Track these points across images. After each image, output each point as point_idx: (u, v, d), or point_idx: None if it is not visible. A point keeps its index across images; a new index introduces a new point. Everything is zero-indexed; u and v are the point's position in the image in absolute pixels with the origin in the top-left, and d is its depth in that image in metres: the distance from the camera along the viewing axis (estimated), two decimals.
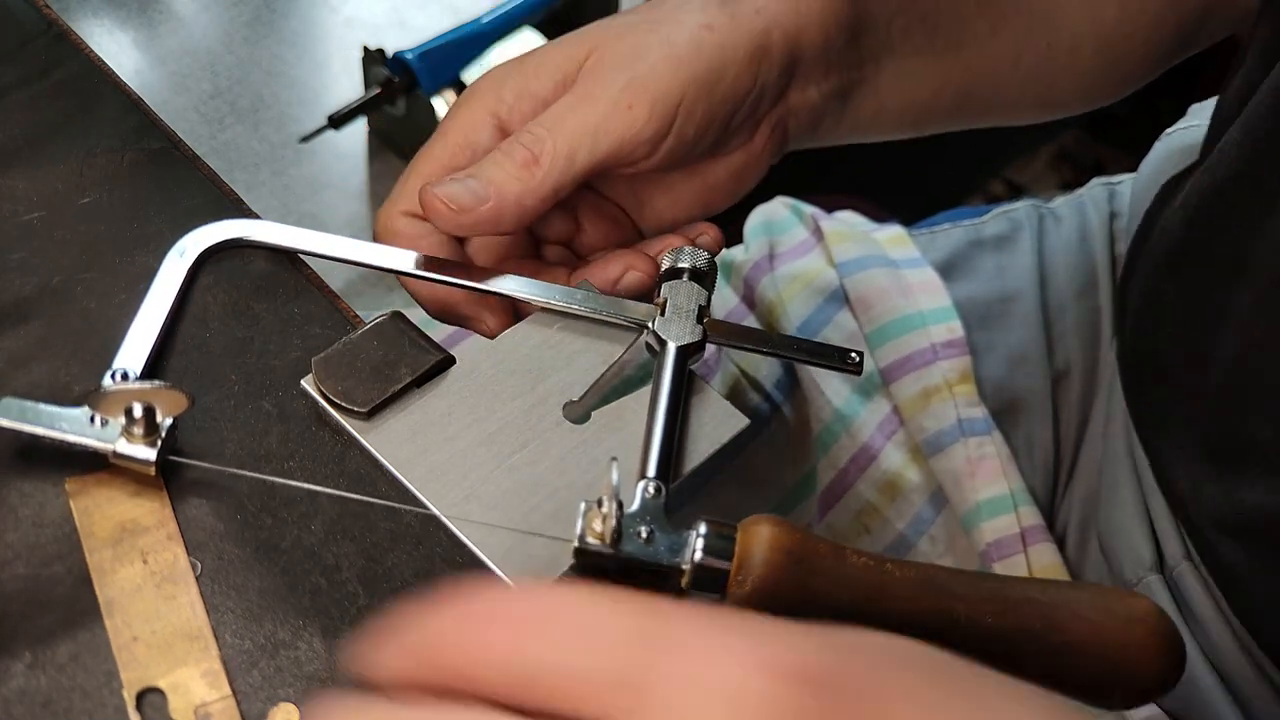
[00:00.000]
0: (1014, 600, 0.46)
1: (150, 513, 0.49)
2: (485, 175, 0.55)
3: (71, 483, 0.49)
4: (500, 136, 0.58)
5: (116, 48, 1.22)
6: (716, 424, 0.55)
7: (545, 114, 0.56)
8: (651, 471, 0.51)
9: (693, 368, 0.56)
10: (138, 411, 0.48)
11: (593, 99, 0.55)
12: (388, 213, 0.59)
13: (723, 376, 0.76)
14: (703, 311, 0.56)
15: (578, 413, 0.55)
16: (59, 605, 0.47)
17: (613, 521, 0.47)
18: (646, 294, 0.59)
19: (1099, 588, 0.48)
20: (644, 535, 0.48)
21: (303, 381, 0.53)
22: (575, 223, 0.61)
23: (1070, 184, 1.70)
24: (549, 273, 0.60)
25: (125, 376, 0.51)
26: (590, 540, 0.48)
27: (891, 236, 0.80)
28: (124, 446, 0.49)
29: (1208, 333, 0.61)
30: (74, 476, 0.49)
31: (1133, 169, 0.81)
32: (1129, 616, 0.47)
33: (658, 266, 0.59)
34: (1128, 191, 0.81)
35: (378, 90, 1.10)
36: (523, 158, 0.55)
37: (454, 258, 0.59)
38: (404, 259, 0.57)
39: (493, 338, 0.57)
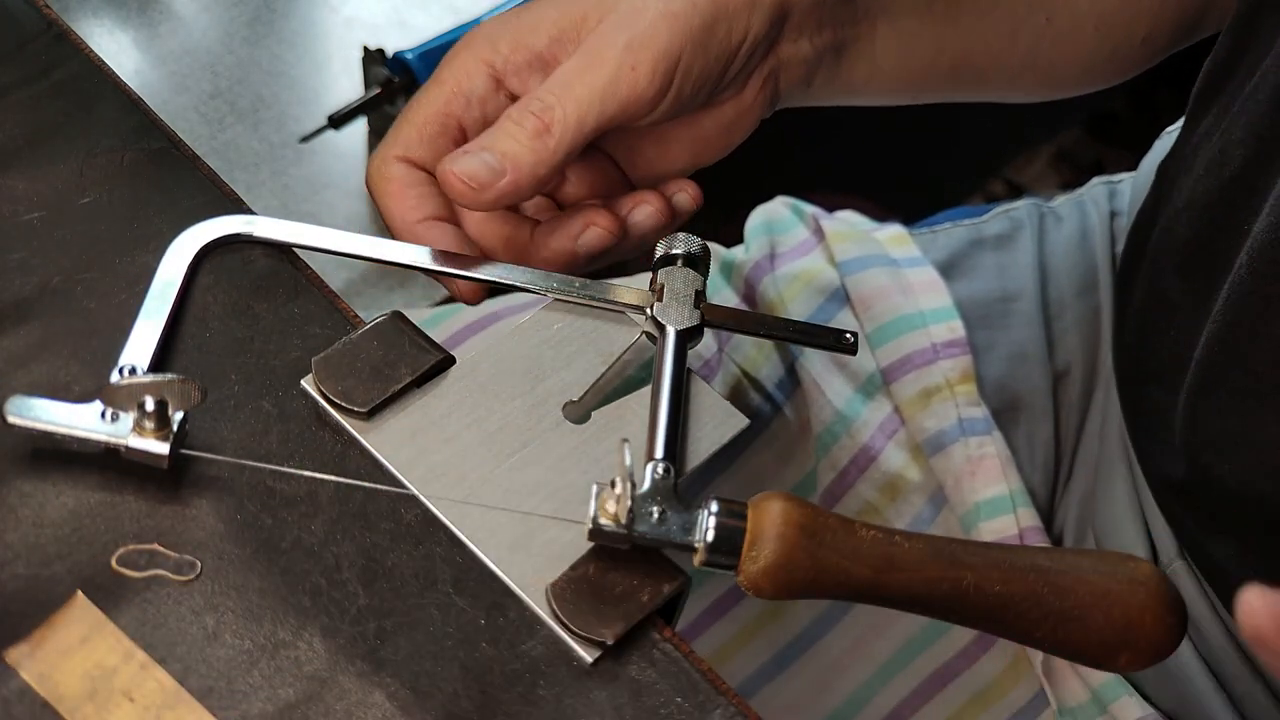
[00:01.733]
0: (1020, 568, 0.47)
1: (111, 649, 0.46)
2: (499, 147, 0.55)
3: (11, 654, 0.46)
4: (494, 86, 0.58)
5: (116, 48, 1.22)
6: (717, 424, 0.55)
7: (551, 79, 0.56)
8: (659, 453, 0.51)
9: (693, 368, 0.56)
10: (150, 405, 0.48)
11: (598, 62, 0.55)
12: (381, 157, 0.58)
13: (723, 377, 0.76)
14: (699, 296, 0.56)
15: (578, 413, 0.55)
16: (59, 605, 0.47)
17: (627, 502, 0.48)
18: (614, 260, 0.59)
19: (1101, 553, 0.49)
20: (656, 515, 0.49)
21: (303, 381, 0.53)
22: (561, 174, 0.60)
23: (1070, 184, 1.70)
24: (521, 227, 0.59)
25: (134, 371, 0.52)
26: (604, 521, 0.48)
27: (892, 236, 0.80)
28: (136, 441, 0.49)
29: (1200, 333, 0.61)
30: (11, 646, 0.46)
31: (1133, 168, 0.81)
32: (1131, 579, 0.48)
33: (621, 223, 0.58)
34: (1129, 190, 0.80)
35: (378, 90, 1.10)
36: (534, 127, 0.55)
37: (442, 212, 0.58)
38: (402, 252, 0.57)
39: (465, 300, 0.58)
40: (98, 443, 0.49)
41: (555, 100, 0.55)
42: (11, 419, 0.49)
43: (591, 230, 0.58)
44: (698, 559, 0.48)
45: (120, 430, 0.49)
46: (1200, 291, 0.62)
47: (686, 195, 0.61)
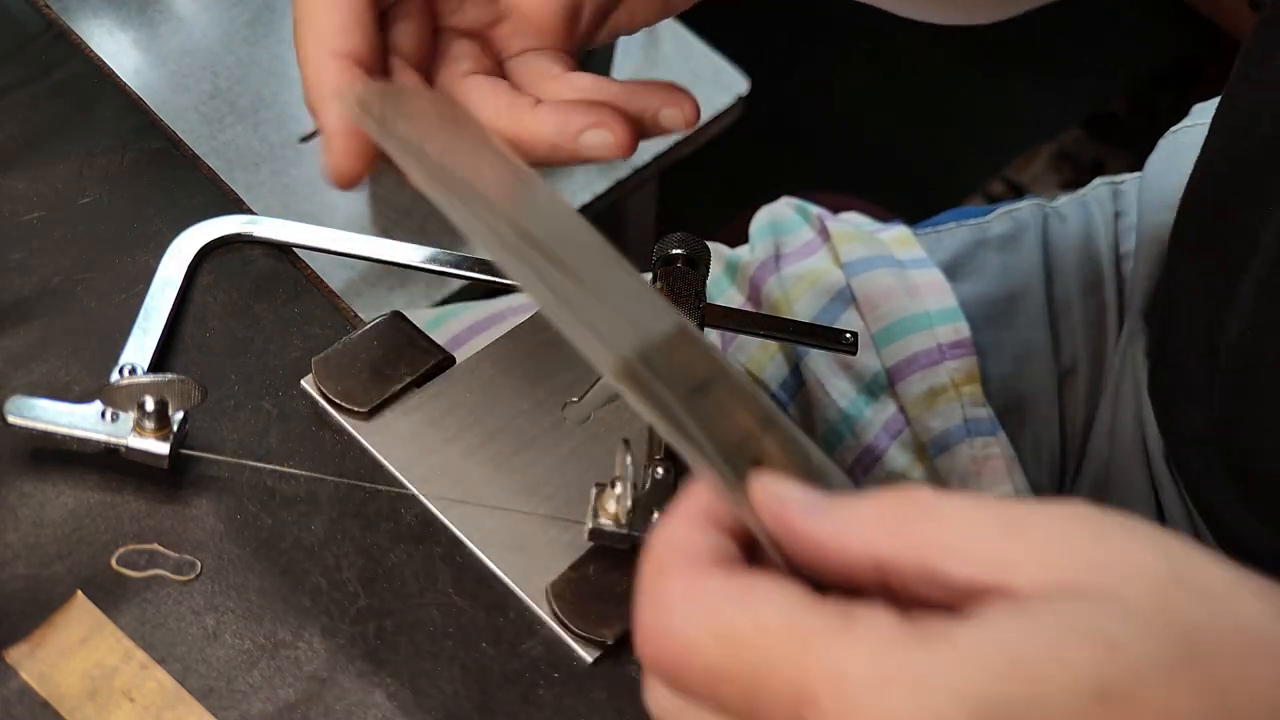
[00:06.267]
0: None
1: (111, 649, 0.46)
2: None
3: (11, 654, 0.46)
4: None
5: (116, 48, 1.22)
6: None
7: None
8: (659, 454, 0.51)
9: None
10: (150, 405, 0.48)
11: None
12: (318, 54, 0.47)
13: None
14: (699, 296, 0.56)
15: (578, 413, 0.55)
16: (59, 605, 0.47)
17: (627, 502, 0.48)
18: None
19: None
20: (656, 517, 0.49)
21: (303, 381, 0.53)
22: (494, 6, 0.51)
23: (1070, 183, 1.70)
24: (458, 80, 0.49)
25: (134, 371, 0.51)
26: (604, 521, 0.48)
27: (897, 237, 0.80)
28: (136, 441, 0.49)
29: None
30: (11, 646, 0.46)
31: (1132, 168, 0.81)
32: None
33: (634, 126, 0.48)
34: (1131, 191, 0.80)
35: None
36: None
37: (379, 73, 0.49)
38: (402, 252, 0.57)
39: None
40: (98, 443, 0.49)
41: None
42: (11, 419, 0.49)
43: (598, 134, 0.47)
44: None
45: (120, 430, 0.49)
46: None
47: (680, 113, 0.50)
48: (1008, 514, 0.33)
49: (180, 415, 0.50)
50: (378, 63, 0.48)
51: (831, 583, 0.34)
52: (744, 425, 0.43)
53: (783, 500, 0.35)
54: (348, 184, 0.47)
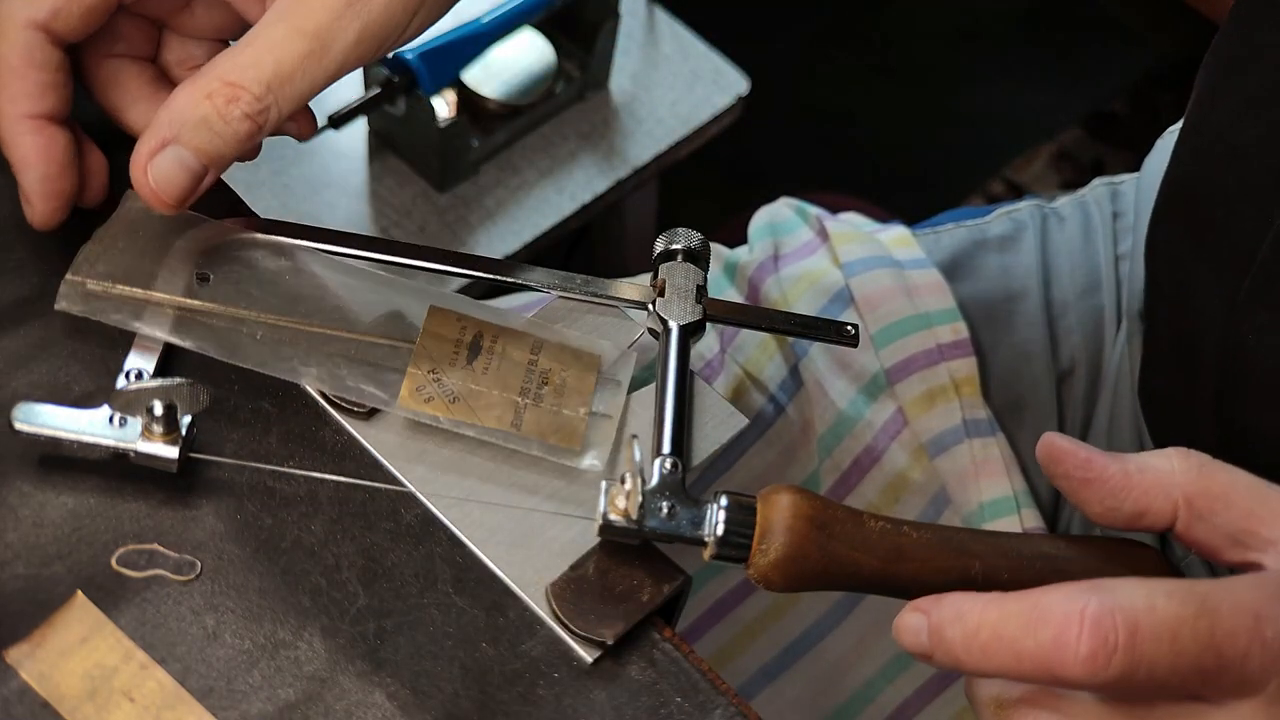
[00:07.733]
0: (1028, 556, 0.48)
1: (111, 649, 0.46)
2: (196, 144, 0.49)
3: (11, 654, 0.46)
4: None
5: None
6: (717, 424, 0.55)
7: (258, 44, 0.49)
8: (667, 448, 0.51)
9: (696, 368, 0.56)
10: (158, 409, 0.48)
11: (310, 29, 0.49)
12: (6, 16, 0.49)
13: (726, 378, 0.76)
14: (700, 291, 0.56)
15: None
16: (59, 605, 0.47)
17: (638, 497, 0.48)
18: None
19: (1105, 541, 0.49)
20: (665, 510, 0.49)
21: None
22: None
23: (1071, 183, 1.70)
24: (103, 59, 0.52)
25: (140, 376, 0.51)
26: (614, 517, 0.48)
27: (896, 237, 0.80)
28: (145, 445, 0.49)
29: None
30: (11, 646, 0.46)
31: (1132, 168, 0.81)
32: (1135, 568, 0.48)
33: None
34: (1130, 191, 0.81)
35: (378, 90, 1.10)
36: (241, 120, 0.49)
37: (59, 110, 0.52)
38: (402, 252, 0.57)
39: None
40: (106, 448, 0.49)
41: (267, 89, 0.48)
42: (20, 426, 0.49)
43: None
44: (708, 553, 0.48)
45: (129, 435, 0.49)
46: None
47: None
48: (1263, 487, 0.45)
49: (188, 419, 0.49)
50: (69, 109, 0.52)
51: (1119, 522, 0.46)
52: (521, 360, 0.54)
53: (1084, 449, 0.46)
54: (49, 228, 0.52)
